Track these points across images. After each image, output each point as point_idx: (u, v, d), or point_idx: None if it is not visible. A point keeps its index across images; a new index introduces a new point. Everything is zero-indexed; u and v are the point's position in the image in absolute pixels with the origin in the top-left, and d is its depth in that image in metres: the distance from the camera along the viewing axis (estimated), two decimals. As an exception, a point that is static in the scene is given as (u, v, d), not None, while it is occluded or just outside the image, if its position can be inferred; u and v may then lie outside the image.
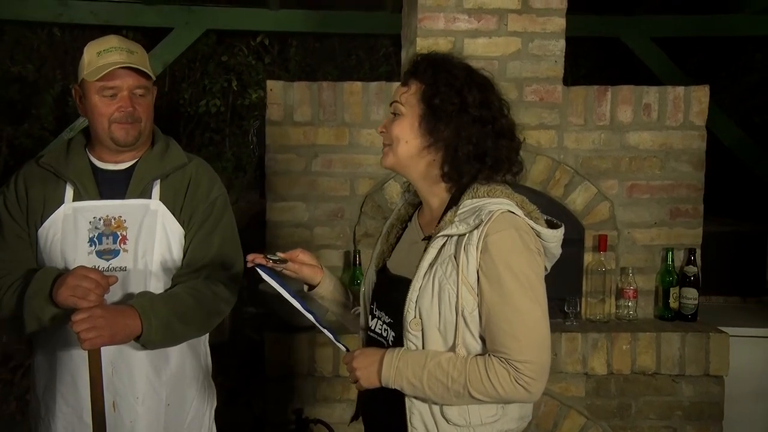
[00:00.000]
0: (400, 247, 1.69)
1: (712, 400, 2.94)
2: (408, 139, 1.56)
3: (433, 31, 2.92)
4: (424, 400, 1.52)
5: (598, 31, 4.83)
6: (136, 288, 1.87)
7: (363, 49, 5.25)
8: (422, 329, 1.51)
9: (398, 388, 1.52)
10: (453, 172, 1.55)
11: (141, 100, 1.88)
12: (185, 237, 1.93)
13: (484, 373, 1.45)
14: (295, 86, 2.98)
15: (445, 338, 1.50)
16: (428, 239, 1.57)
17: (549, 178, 2.99)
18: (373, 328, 1.66)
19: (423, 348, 1.51)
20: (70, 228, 1.86)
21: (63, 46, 5.08)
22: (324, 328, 1.65)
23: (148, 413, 1.88)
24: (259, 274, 1.65)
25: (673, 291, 3.03)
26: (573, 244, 3.02)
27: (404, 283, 1.55)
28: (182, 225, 1.93)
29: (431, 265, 1.51)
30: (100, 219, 1.87)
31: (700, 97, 3.04)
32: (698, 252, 3.07)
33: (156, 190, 1.92)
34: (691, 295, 3.02)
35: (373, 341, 1.65)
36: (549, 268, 1.60)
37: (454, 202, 1.56)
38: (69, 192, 1.89)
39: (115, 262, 1.86)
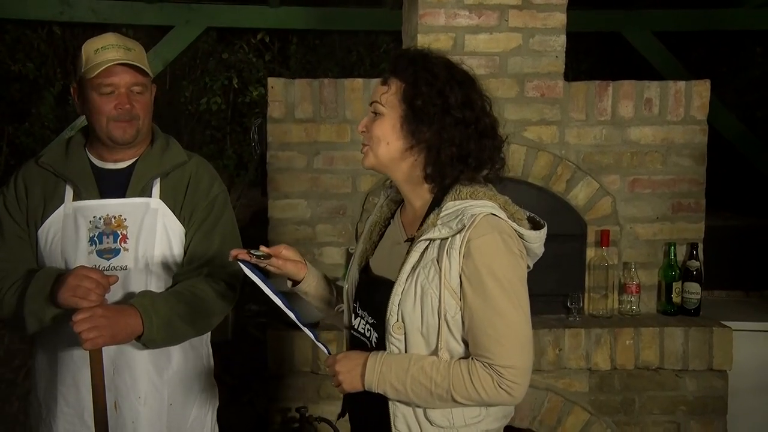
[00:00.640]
0: (382, 246, 1.68)
1: (716, 395, 2.93)
2: (390, 140, 1.54)
3: (433, 27, 2.91)
4: (407, 403, 1.52)
5: (599, 26, 4.82)
6: (136, 287, 1.86)
7: (364, 45, 5.25)
8: (405, 332, 1.50)
9: (381, 392, 1.51)
10: (436, 173, 1.53)
11: (139, 97, 1.88)
12: (186, 235, 1.93)
13: (467, 378, 1.45)
14: (296, 83, 2.98)
15: (427, 341, 1.50)
16: (411, 241, 1.56)
17: (551, 173, 2.99)
18: (356, 327, 1.65)
19: (406, 351, 1.51)
20: (70, 227, 1.86)
21: (63, 45, 5.09)
22: (305, 327, 1.63)
23: (150, 413, 1.88)
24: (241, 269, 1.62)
25: (676, 286, 3.02)
26: (575, 239, 3.02)
27: (386, 285, 1.54)
28: (183, 223, 1.92)
29: (414, 268, 1.50)
30: (100, 218, 1.86)
31: (701, 91, 3.03)
32: (700, 246, 3.06)
33: (156, 189, 1.91)
34: (694, 289, 3.02)
35: (356, 340, 1.64)
36: (531, 266, 1.59)
37: (436, 203, 1.55)
38: (69, 192, 1.89)
39: (115, 261, 1.86)
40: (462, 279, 1.46)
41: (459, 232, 1.46)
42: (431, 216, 1.52)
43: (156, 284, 1.89)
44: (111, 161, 1.93)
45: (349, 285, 1.70)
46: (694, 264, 3.03)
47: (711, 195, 3.11)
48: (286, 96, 2.96)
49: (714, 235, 3.20)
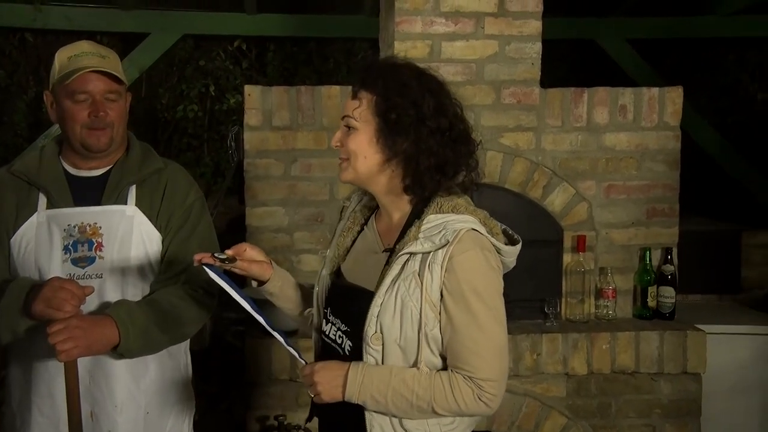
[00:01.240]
0: (356, 253, 1.67)
1: (690, 398, 2.97)
2: (366, 154, 1.54)
3: (410, 35, 2.92)
4: (384, 413, 1.52)
5: (574, 33, 4.87)
6: (112, 295, 1.85)
7: (341, 52, 5.24)
8: (383, 344, 1.50)
9: (361, 404, 1.51)
10: (415, 185, 1.54)
11: (113, 105, 1.86)
12: (163, 242, 1.92)
13: (449, 390, 1.47)
14: (273, 91, 2.97)
15: (405, 353, 1.50)
16: (389, 251, 1.56)
17: (528, 179, 3.01)
18: (327, 333, 1.64)
19: (383, 362, 1.51)
20: (44, 236, 1.84)
21: (36, 52, 5.01)
22: (275, 331, 1.61)
23: (126, 422, 1.86)
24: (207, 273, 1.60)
25: (651, 290, 3.06)
26: (552, 245, 3.04)
27: (364, 295, 1.54)
28: (159, 230, 1.91)
29: (394, 281, 1.50)
30: (74, 226, 1.84)
31: (674, 97, 3.07)
32: (675, 251, 3.10)
33: (132, 196, 1.90)
34: (669, 293, 3.05)
35: (327, 346, 1.64)
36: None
37: (416, 214, 1.55)
38: (42, 200, 1.87)
39: (90, 270, 1.84)
40: (443, 293, 1.47)
41: (442, 247, 1.47)
42: (412, 229, 1.52)
43: (132, 292, 1.87)
44: (85, 169, 1.92)
45: (319, 289, 1.69)
46: (669, 268, 3.07)
47: (685, 200, 3.16)
48: (263, 103, 2.96)
49: (688, 239, 3.24)
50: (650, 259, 3.06)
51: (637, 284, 3.10)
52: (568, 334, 2.89)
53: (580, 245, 3.01)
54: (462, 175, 1.57)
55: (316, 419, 1.73)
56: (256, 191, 2.98)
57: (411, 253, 1.49)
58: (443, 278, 1.46)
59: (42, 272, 1.82)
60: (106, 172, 1.92)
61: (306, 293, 1.78)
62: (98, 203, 1.87)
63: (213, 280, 1.60)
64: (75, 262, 1.83)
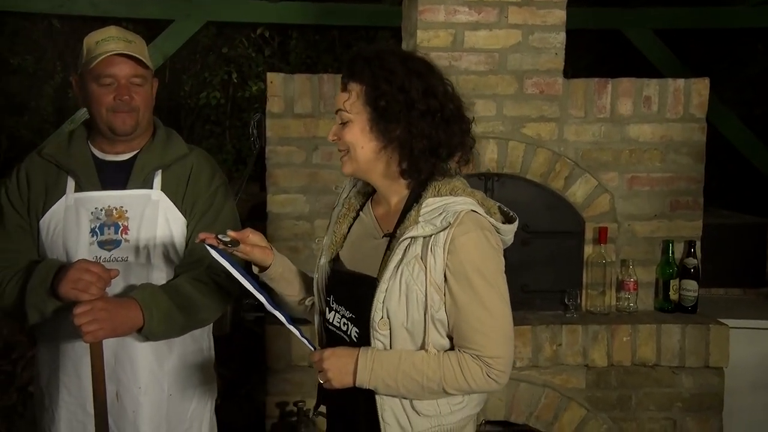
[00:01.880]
0: (354, 239, 1.68)
1: (712, 392, 2.95)
2: (363, 144, 1.56)
3: (433, 24, 2.91)
4: (394, 395, 1.54)
5: (599, 23, 4.82)
6: (137, 278, 1.87)
7: (363, 41, 5.24)
8: (390, 328, 1.52)
9: (372, 389, 1.53)
10: (411, 168, 1.55)
11: (139, 89, 1.88)
12: (187, 226, 1.94)
13: (458, 371, 1.50)
14: (296, 78, 2.98)
15: (412, 336, 1.53)
16: (389, 236, 1.57)
17: (549, 170, 2.99)
18: (331, 320, 1.65)
19: (391, 346, 1.53)
20: (71, 219, 1.87)
21: (63, 38, 5.07)
22: (277, 311, 1.63)
23: (150, 404, 1.89)
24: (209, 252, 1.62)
25: (673, 283, 3.03)
26: (573, 236, 3.03)
27: (367, 282, 1.55)
28: (184, 215, 1.93)
29: (397, 266, 1.51)
30: (101, 209, 1.87)
31: (700, 89, 3.03)
32: (698, 244, 3.07)
33: (157, 181, 1.92)
34: (691, 287, 3.03)
35: (332, 334, 1.65)
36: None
37: (414, 198, 1.57)
38: (70, 183, 1.90)
39: (116, 253, 1.86)
40: (447, 275, 1.50)
41: (444, 229, 1.48)
42: (412, 213, 1.54)
43: (157, 276, 1.89)
44: (112, 153, 1.94)
45: (319, 277, 1.70)
46: (692, 261, 3.04)
47: (709, 193, 3.12)
48: (285, 91, 2.96)
49: (712, 232, 3.21)
50: (673, 252, 3.04)
51: (659, 277, 3.07)
52: (588, 326, 2.88)
53: (601, 237, 2.99)
54: (458, 154, 1.58)
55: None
56: (277, 178, 3.00)
57: (412, 238, 1.51)
58: (446, 260, 1.49)
59: (69, 254, 1.85)
60: (132, 157, 1.94)
61: (307, 280, 1.80)
62: (125, 187, 1.90)
63: (214, 258, 1.62)
64: (101, 244, 1.86)
